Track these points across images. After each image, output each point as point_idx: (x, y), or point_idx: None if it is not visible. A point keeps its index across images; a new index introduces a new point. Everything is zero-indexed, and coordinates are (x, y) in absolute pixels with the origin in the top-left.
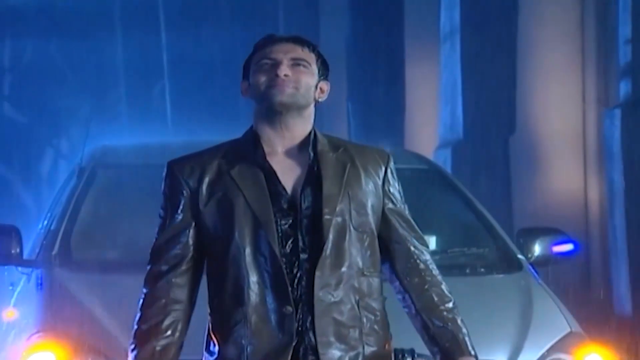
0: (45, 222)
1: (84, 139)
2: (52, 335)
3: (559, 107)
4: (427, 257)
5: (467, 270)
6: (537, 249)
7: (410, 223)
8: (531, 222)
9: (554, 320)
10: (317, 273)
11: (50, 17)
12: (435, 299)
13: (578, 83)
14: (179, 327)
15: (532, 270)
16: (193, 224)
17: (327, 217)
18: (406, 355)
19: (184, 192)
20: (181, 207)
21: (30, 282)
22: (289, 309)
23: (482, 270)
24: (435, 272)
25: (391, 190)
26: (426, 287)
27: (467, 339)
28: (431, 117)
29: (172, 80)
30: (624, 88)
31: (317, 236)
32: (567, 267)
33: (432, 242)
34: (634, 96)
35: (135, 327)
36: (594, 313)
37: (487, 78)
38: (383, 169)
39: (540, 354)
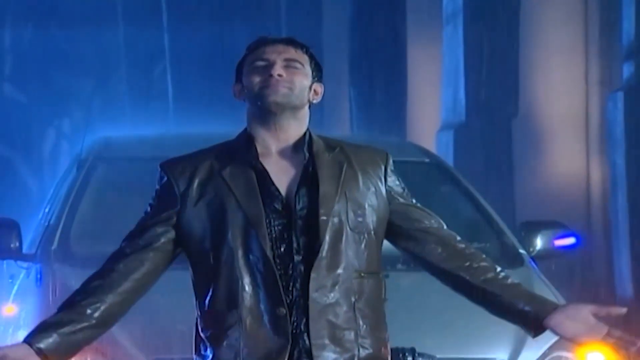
0: (46, 210)
1: (84, 129)
2: None
3: (562, 89)
4: (454, 234)
5: None
6: (538, 243)
7: (425, 210)
8: (533, 205)
9: None
10: (313, 274)
11: None
12: (489, 270)
13: (581, 65)
14: (108, 305)
15: (534, 265)
16: (173, 225)
17: (323, 217)
18: (407, 354)
19: (173, 192)
20: (166, 206)
21: (29, 276)
22: (282, 310)
23: None
24: (470, 246)
25: (395, 188)
26: (474, 264)
27: (538, 294)
28: (434, 100)
29: (174, 61)
30: (627, 70)
31: (312, 237)
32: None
33: None
34: (638, 79)
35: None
36: (596, 295)
37: (489, 60)
38: (383, 168)
39: (541, 351)
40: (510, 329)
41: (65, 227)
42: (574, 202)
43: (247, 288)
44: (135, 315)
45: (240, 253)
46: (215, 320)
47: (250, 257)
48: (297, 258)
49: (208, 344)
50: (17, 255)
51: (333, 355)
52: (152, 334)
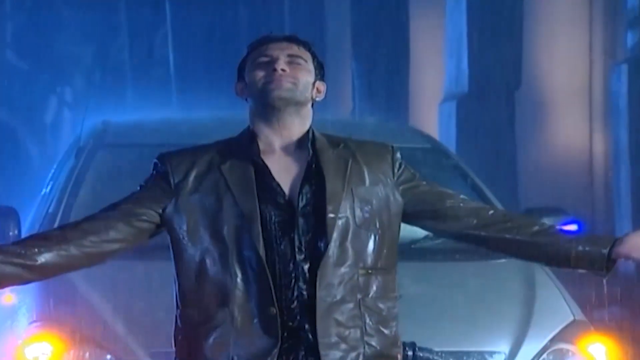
0: (46, 193)
1: (86, 98)
2: (49, 326)
3: (566, 60)
4: (480, 203)
5: (470, 255)
6: None
7: (443, 189)
8: (535, 176)
9: (557, 308)
10: (319, 272)
11: None
12: (532, 224)
13: (585, 36)
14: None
15: None
16: (158, 213)
17: (330, 215)
18: (407, 348)
19: (168, 182)
20: (155, 194)
21: None
22: (273, 310)
23: (486, 254)
24: (498, 209)
25: (406, 177)
26: (514, 222)
27: (589, 235)
28: (437, 71)
29: (175, 28)
30: (631, 41)
31: (317, 235)
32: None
33: None
34: None
35: None
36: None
37: (492, 30)
38: (390, 161)
39: (543, 344)
40: (511, 321)
41: (64, 215)
42: (576, 173)
43: (239, 285)
44: (135, 309)
45: (233, 249)
46: (203, 316)
47: (244, 253)
48: (299, 256)
49: (193, 340)
50: None
51: (339, 354)
52: (151, 327)
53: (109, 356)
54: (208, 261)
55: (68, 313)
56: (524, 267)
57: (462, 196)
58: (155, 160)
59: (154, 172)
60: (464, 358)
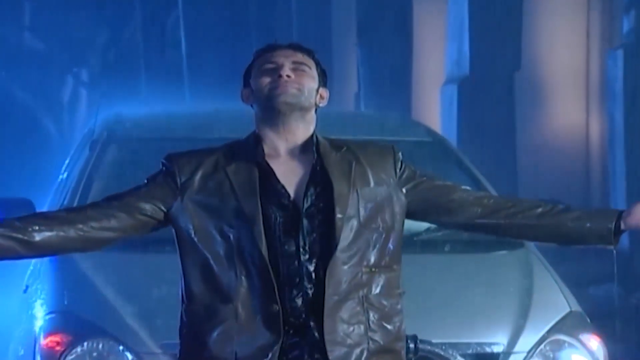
0: (60, 185)
1: (96, 108)
2: (64, 318)
3: (564, 44)
4: (481, 192)
5: (470, 247)
6: None
7: (444, 182)
8: (534, 156)
9: (554, 300)
10: (329, 271)
11: None
12: (537, 206)
13: (583, 21)
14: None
15: (533, 247)
16: (162, 209)
17: (339, 215)
18: (409, 341)
19: (174, 181)
20: (161, 192)
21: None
22: (276, 307)
23: (484, 246)
24: (500, 196)
25: (409, 176)
26: (518, 207)
27: (593, 210)
28: (439, 55)
29: (187, 10)
30: (627, 27)
31: (323, 235)
32: (567, 199)
33: None
34: (637, 37)
35: None
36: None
37: (493, 15)
38: (392, 162)
39: (540, 335)
40: (510, 313)
41: None
42: (573, 153)
43: (243, 283)
44: (146, 301)
45: (237, 248)
46: (208, 312)
47: (247, 252)
48: (303, 257)
49: (197, 334)
50: None
51: (345, 349)
52: (162, 319)
53: (121, 347)
54: (213, 259)
55: (82, 305)
56: (522, 258)
57: (463, 187)
58: (163, 160)
59: (162, 170)
60: (464, 349)
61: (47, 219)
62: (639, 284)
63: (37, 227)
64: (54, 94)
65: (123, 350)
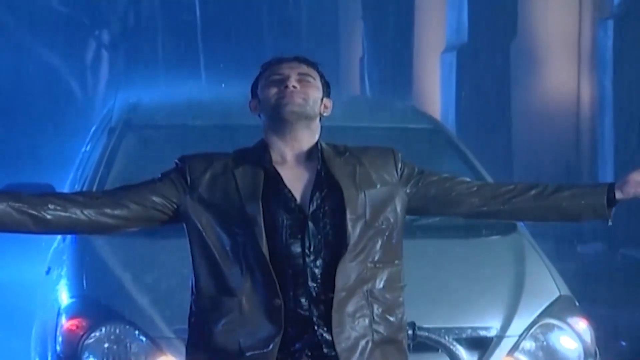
0: (79, 173)
1: (114, 96)
2: (84, 303)
3: (557, 14)
4: (477, 181)
5: (463, 232)
6: None
7: (442, 175)
8: (528, 120)
9: (545, 285)
10: (339, 270)
11: None
12: (531, 188)
13: None
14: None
15: (526, 231)
16: (172, 205)
17: (351, 216)
18: (407, 327)
19: (185, 178)
20: (170, 189)
21: (65, 240)
22: (278, 301)
23: (478, 231)
24: (495, 182)
25: (410, 175)
26: (514, 191)
27: (585, 187)
28: (439, 24)
29: None
30: None
31: (329, 237)
32: (558, 159)
33: None
34: (626, 8)
35: None
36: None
37: None
38: (393, 163)
39: (531, 319)
40: (502, 298)
41: None
42: (565, 117)
43: (248, 278)
44: (161, 287)
45: (241, 245)
46: (214, 304)
47: (249, 251)
48: (308, 258)
49: (204, 324)
50: None
51: (351, 341)
52: (176, 305)
53: (136, 332)
54: (219, 255)
55: (101, 291)
56: (515, 243)
57: (460, 178)
58: (176, 159)
59: (174, 168)
60: (458, 334)
61: (62, 200)
62: (624, 241)
63: (51, 206)
64: (77, 55)
65: (139, 335)
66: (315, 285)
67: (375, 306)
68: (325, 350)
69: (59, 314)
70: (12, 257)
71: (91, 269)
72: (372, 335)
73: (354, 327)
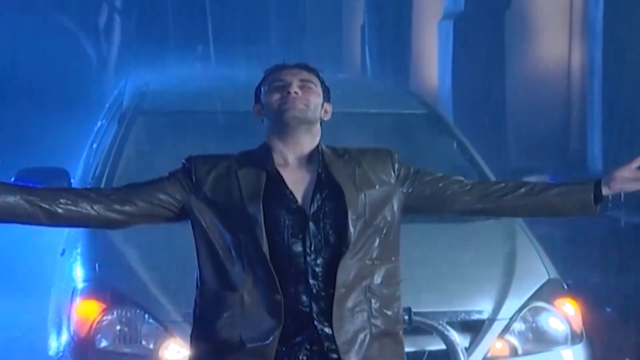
0: (92, 155)
1: (124, 84)
2: (96, 288)
3: None
4: (470, 180)
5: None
6: None
7: (436, 175)
8: (521, 87)
9: (535, 268)
10: (340, 267)
11: None
12: (520, 186)
13: None
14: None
15: None
16: (178, 203)
17: (353, 217)
18: (403, 312)
19: (190, 178)
20: (177, 188)
21: None
22: (278, 297)
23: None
24: (487, 181)
25: (406, 176)
26: (505, 189)
27: (572, 184)
28: None
29: None
30: None
31: (329, 236)
32: (549, 123)
33: None
34: None
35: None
36: (571, 169)
37: None
38: (391, 165)
39: (522, 302)
40: (494, 282)
41: (109, 179)
42: (556, 85)
43: (249, 274)
44: (171, 273)
45: (243, 243)
46: (217, 297)
47: (250, 249)
48: (309, 257)
49: (208, 316)
50: None
51: (350, 335)
52: (184, 290)
53: (147, 315)
54: (222, 252)
55: (113, 276)
56: (507, 227)
57: (454, 177)
58: (183, 160)
59: (181, 168)
60: (451, 317)
61: (74, 195)
62: (613, 204)
63: (63, 201)
64: (91, 19)
65: (148, 318)
66: (315, 282)
67: (373, 301)
68: (325, 344)
69: (73, 296)
70: (30, 238)
71: (104, 255)
72: (370, 328)
73: (353, 321)
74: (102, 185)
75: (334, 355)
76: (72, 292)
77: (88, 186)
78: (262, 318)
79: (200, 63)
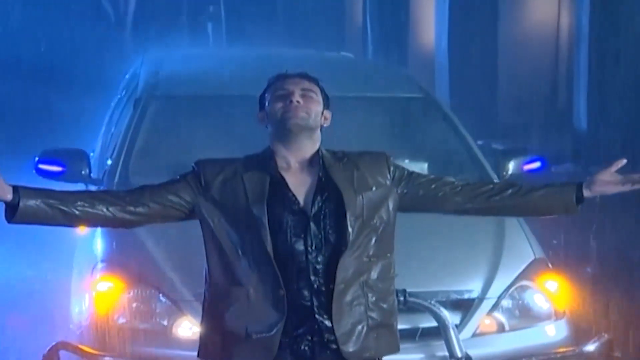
0: (107, 141)
1: (140, 63)
2: (113, 268)
3: None
4: (461, 181)
5: None
6: (510, 168)
7: (429, 177)
8: (513, 49)
9: (522, 248)
10: (340, 265)
11: None
12: (507, 187)
13: None
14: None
15: None
16: (187, 204)
17: (351, 218)
18: (399, 294)
19: (198, 181)
20: (185, 191)
21: None
22: (281, 292)
23: None
24: (476, 182)
25: (401, 178)
26: (494, 190)
27: (556, 186)
28: None
29: None
30: None
31: (330, 236)
32: (538, 84)
33: (424, 168)
34: None
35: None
36: (557, 127)
37: None
38: (386, 167)
39: (509, 281)
40: (483, 263)
41: (125, 163)
42: (545, 46)
43: (254, 270)
44: (184, 255)
45: (249, 242)
46: (224, 292)
47: (255, 248)
48: (311, 256)
49: (216, 310)
50: (87, 179)
51: (349, 327)
52: (197, 271)
53: (160, 295)
54: (228, 251)
55: (129, 257)
56: None
57: (445, 179)
58: (193, 164)
59: (191, 171)
60: (443, 297)
61: (91, 198)
62: (595, 160)
63: (80, 203)
64: None
65: (162, 297)
66: (316, 278)
67: (370, 295)
68: (325, 335)
69: (93, 272)
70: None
71: (120, 237)
72: (367, 320)
73: (351, 314)
74: (118, 169)
75: (334, 346)
76: (93, 269)
77: (106, 169)
78: (267, 311)
79: (211, 22)
